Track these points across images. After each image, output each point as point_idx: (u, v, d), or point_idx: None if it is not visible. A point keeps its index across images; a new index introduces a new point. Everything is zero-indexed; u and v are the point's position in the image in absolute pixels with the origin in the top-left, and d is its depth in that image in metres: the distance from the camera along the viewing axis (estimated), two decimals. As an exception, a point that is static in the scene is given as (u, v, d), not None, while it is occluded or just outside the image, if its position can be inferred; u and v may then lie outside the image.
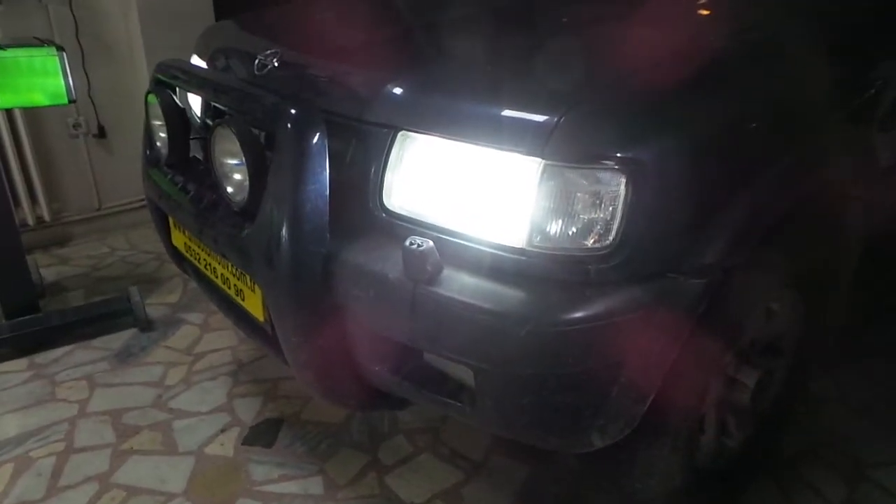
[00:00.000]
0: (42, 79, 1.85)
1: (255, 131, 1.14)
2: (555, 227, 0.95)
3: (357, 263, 1.08)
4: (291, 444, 1.70)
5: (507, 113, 0.96)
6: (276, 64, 1.28)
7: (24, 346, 2.05)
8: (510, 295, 0.96)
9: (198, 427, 1.76)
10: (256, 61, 1.31)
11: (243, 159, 1.13)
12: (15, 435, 1.71)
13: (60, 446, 1.68)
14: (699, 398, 1.17)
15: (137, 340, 2.16)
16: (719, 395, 1.25)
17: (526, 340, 0.94)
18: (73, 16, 2.63)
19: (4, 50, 1.77)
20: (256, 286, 1.23)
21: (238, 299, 1.32)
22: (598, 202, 0.93)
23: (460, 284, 0.99)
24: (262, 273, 1.13)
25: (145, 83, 2.76)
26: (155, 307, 2.34)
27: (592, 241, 0.94)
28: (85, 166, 2.87)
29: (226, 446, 1.69)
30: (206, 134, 1.42)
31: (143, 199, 3.06)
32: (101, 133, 2.87)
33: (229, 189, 1.20)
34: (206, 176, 1.36)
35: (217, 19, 2.90)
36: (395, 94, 1.08)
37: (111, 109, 2.84)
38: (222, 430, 1.75)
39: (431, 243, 0.99)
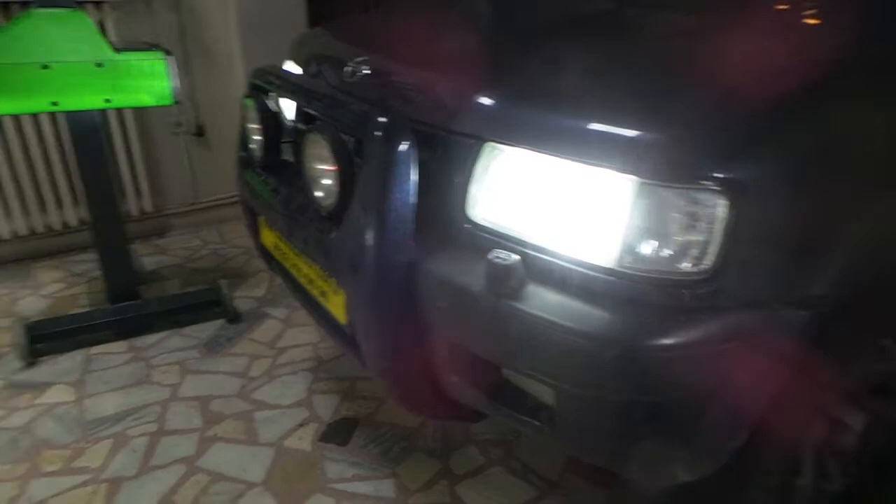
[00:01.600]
0: (150, 81, 1.96)
1: (345, 137, 1.16)
2: (648, 248, 0.90)
3: (440, 274, 1.08)
4: (366, 445, 1.73)
5: (601, 128, 0.92)
6: (365, 71, 1.30)
7: (125, 330, 2.19)
8: (597, 315, 0.92)
9: (278, 420, 1.82)
10: (347, 68, 1.34)
11: (333, 165, 1.15)
12: (114, 413, 1.83)
13: (153, 427, 1.78)
14: (797, 438, 1.09)
15: (225, 331, 2.26)
16: (821, 436, 1.16)
17: (613, 364, 0.90)
18: (180, 21, 2.79)
19: (119, 53, 1.89)
20: (340, 289, 1.25)
21: (322, 300, 1.35)
22: (695, 224, 0.88)
23: (545, 301, 0.96)
24: (346, 277, 1.15)
25: (241, 85, 2.90)
26: (242, 300, 2.44)
27: (688, 264, 0.89)
28: (184, 163, 3.04)
29: (304, 441, 1.74)
30: (297, 138, 1.46)
31: (234, 196, 3.21)
32: (200, 132, 3.02)
33: (318, 193, 1.22)
34: (297, 179, 1.40)
35: (310, 26, 3.00)
36: (483, 104, 1.07)
37: (209, 109, 2.99)
38: (301, 425, 1.80)
39: (517, 257, 0.97)
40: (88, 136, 2.00)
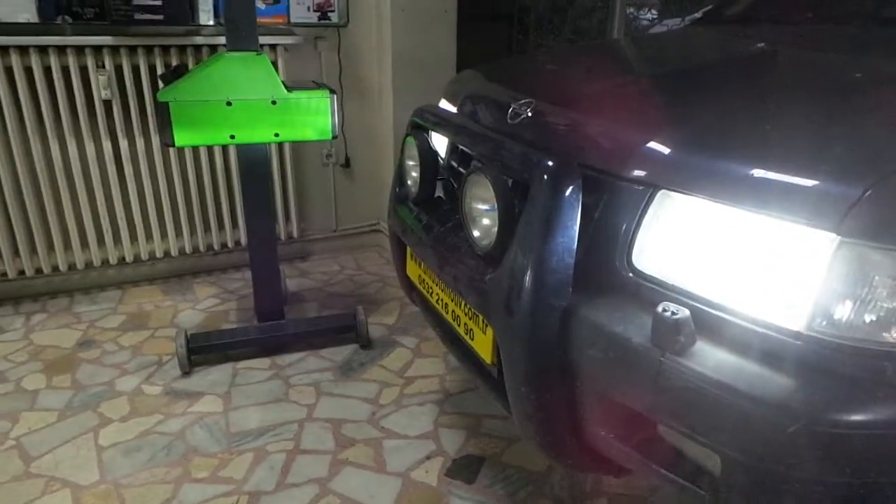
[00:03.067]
0: (314, 117, 2.11)
1: (508, 179, 1.17)
2: (845, 313, 0.82)
3: (598, 322, 1.05)
4: (492, 485, 1.70)
5: (796, 180, 0.86)
6: (529, 114, 1.31)
7: (270, 347, 2.33)
8: (778, 382, 0.85)
9: (405, 450, 1.84)
10: (510, 110, 1.36)
11: (494, 205, 1.16)
12: (256, 427, 1.93)
13: (290, 445, 1.86)
14: None
15: (357, 356, 2.33)
16: None
17: (794, 438, 0.82)
18: (340, 61, 3.00)
19: (290, 92, 2.06)
20: (488, 329, 1.25)
21: (467, 338, 1.36)
22: (901, 290, 0.79)
23: (717, 361, 0.90)
24: (499, 318, 1.15)
25: (388, 121, 3.06)
26: (374, 327, 2.52)
27: (893, 333, 0.80)
28: (329, 192, 3.22)
29: (430, 474, 1.74)
30: (451, 176, 1.50)
31: (372, 225, 3.37)
32: (347, 163, 3.20)
33: (475, 233, 1.24)
34: (450, 216, 1.43)
35: (458, 69, 3.11)
36: (657, 150, 1.03)
37: (357, 142, 3.17)
38: (427, 458, 1.80)
39: (688, 312, 0.92)
40: (256, 166, 2.18)
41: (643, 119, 1.12)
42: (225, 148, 2.81)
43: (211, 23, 2.60)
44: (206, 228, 2.93)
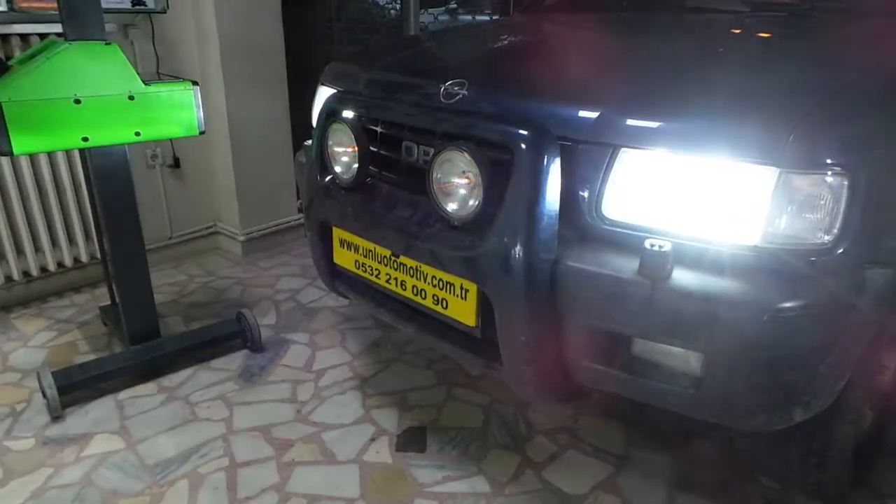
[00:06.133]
0: (178, 112, 1.94)
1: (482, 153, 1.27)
2: (785, 226, 1.10)
3: (582, 267, 1.21)
4: (442, 449, 1.80)
5: (739, 126, 1.11)
6: (465, 93, 1.41)
7: (150, 370, 2.10)
8: (748, 287, 1.10)
9: (347, 437, 1.84)
10: (441, 90, 1.44)
11: (471, 178, 1.26)
12: (176, 454, 1.76)
13: (225, 461, 1.74)
14: (877, 378, 1.33)
15: (254, 361, 2.23)
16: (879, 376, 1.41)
17: (766, 326, 1.08)
18: (156, 51, 2.72)
19: (148, 85, 1.86)
20: (469, 294, 1.35)
21: (438, 307, 1.43)
22: (824, 203, 1.08)
23: (698, 280, 1.13)
24: (494, 281, 1.25)
25: (220, 112, 2.87)
26: (258, 329, 2.40)
27: (818, 236, 1.10)
28: (159, 196, 2.93)
29: (381, 453, 1.78)
30: (406, 156, 1.50)
31: (209, 227, 3.15)
32: (176, 164, 2.94)
33: (450, 206, 1.32)
34: (398, 196, 1.48)
35: (287, 54, 3.03)
36: (614, 115, 1.22)
37: (184, 141, 2.92)
38: (372, 439, 1.84)
39: (670, 244, 1.13)
40: (116, 170, 1.93)
41: (587, 89, 1.30)
42: (46, 155, 2.40)
43: (2, 8, 2.19)
44: (20, 252, 2.48)
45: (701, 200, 1.16)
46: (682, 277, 1.14)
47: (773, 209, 1.09)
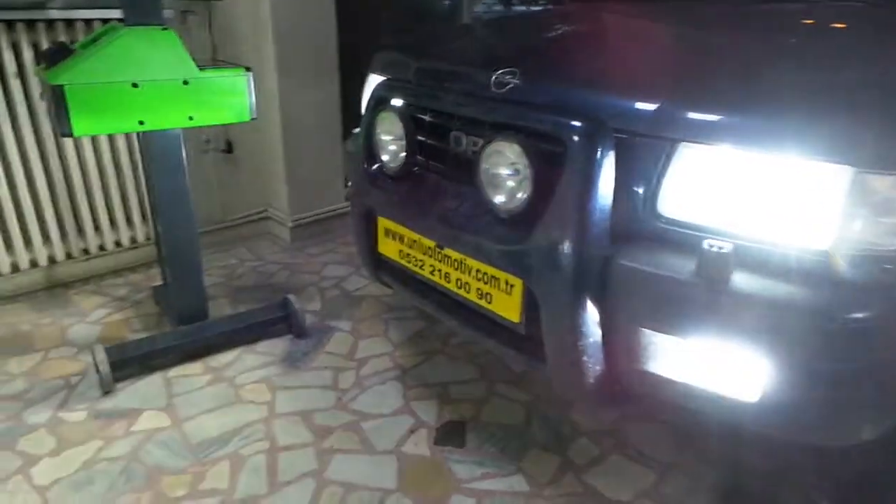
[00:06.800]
0: (231, 98, 1.96)
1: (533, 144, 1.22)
2: (858, 230, 1.02)
3: (636, 266, 1.16)
4: (482, 445, 1.77)
5: (811, 121, 1.03)
6: (517, 82, 1.37)
7: (197, 351, 2.14)
8: (816, 294, 1.02)
9: (386, 428, 1.84)
10: (493, 79, 1.40)
11: (520, 170, 1.22)
12: (218, 434, 1.79)
13: (265, 444, 1.76)
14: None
15: (297, 347, 2.24)
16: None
17: (834, 336, 1.01)
18: (213, 39, 2.77)
19: (203, 71, 1.88)
20: (514, 289, 1.31)
21: (482, 302, 1.40)
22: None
23: (761, 285, 1.06)
24: (540, 277, 1.21)
25: (273, 101, 2.90)
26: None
27: (894, 242, 1.01)
28: (211, 180, 2.99)
29: (420, 446, 1.77)
30: (454, 146, 1.47)
31: (261, 212, 3.19)
32: (229, 149, 2.99)
33: (498, 198, 1.28)
34: (445, 187, 1.45)
35: (340, 44, 3.03)
36: (675, 106, 1.16)
37: (237, 127, 2.95)
38: (411, 431, 1.82)
39: (731, 246, 1.06)
40: (170, 153, 1.97)
41: (650, 80, 1.23)
42: (107, 137, 2.47)
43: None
44: (80, 231, 2.57)
45: (766, 201, 1.09)
46: (744, 281, 1.07)
47: (845, 212, 1.02)
